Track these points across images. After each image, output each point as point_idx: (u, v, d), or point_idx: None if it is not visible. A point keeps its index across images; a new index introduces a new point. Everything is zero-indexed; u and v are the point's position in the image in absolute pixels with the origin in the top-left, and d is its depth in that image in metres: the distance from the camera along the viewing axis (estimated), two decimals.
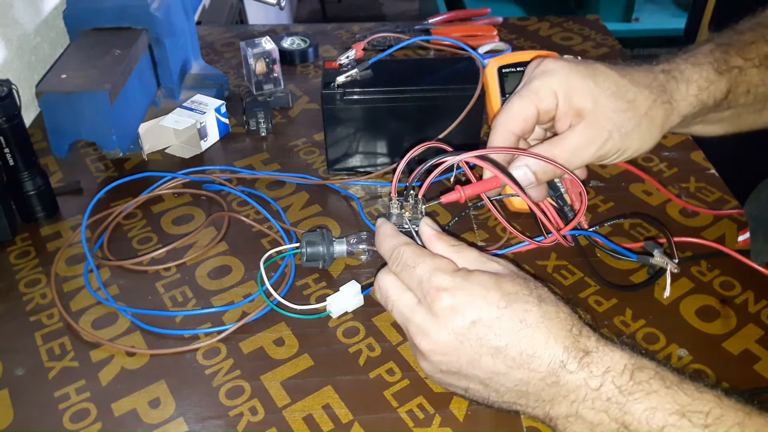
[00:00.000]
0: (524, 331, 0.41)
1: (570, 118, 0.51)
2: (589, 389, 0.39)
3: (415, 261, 0.45)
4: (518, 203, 0.56)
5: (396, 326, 0.55)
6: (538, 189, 0.53)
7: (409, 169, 0.52)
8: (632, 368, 0.39)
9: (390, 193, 0.50)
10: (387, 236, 0.48)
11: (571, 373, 0.40)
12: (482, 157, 0.50)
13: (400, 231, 0.49)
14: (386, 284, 0.46)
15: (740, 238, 0.61)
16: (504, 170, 0.51)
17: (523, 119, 0.51)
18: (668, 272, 0.54)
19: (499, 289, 0.42)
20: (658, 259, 0.55)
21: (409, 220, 0.50)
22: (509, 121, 0.52)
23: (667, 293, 0.54)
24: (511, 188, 0.50)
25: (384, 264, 0.48)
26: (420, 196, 0.50)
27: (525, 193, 0.50)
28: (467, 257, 0.46)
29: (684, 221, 0.63)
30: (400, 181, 0.50)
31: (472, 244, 0.48)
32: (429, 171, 0.50)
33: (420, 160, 0.52)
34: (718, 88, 0.52)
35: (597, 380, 0.39)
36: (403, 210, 0.50)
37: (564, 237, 0.54)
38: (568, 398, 0.40)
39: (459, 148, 0.51)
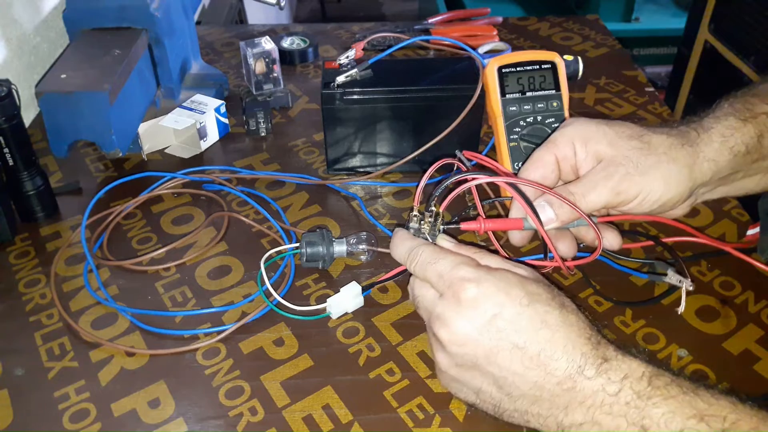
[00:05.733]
0: (544, 332, 0.41)
1: (590, 162, 0.52)
2: (606, 395, 0.39)
3: (436, 258, 0.45)
4: (518, 240, 0.56)
5: (396, 326, 0.55)
6: (564, 242, 0.54)
7: (421, 169, 0.52)
8: (650, 375, 0.39)
9: (412, 207, 0.50)
10: (404, 239, 0.49)
11: (589, 379, 0.40)
12: (511, 185, 0.51)
13: None
14: (413, 286, 0.48)
15: (750, 232, 0.61)
16: (524, 195, 0.51)
17: (542, 165, 0.53)
18: (683, 290, 0.54)
19: (523, 287, 0.43)
20: (672, 278, 0.55)
21: (427, 235, 0.50)
22: (528, 168, 0.54)
23: (681, 309, 0.54)
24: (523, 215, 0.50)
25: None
26: (439, 212, 0.50)
27: (535, 213, 0.50)
28: (490, 260, 0.47)
29: (684, 221, 0.63)
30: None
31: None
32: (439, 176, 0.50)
33: (439, 167, 0.52)
34: (746, 134, 0.52)
35: (615, 386, 0.39)
36: (422, 224, 0.50)
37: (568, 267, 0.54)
38: (584, 404, 0.40)
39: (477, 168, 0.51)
